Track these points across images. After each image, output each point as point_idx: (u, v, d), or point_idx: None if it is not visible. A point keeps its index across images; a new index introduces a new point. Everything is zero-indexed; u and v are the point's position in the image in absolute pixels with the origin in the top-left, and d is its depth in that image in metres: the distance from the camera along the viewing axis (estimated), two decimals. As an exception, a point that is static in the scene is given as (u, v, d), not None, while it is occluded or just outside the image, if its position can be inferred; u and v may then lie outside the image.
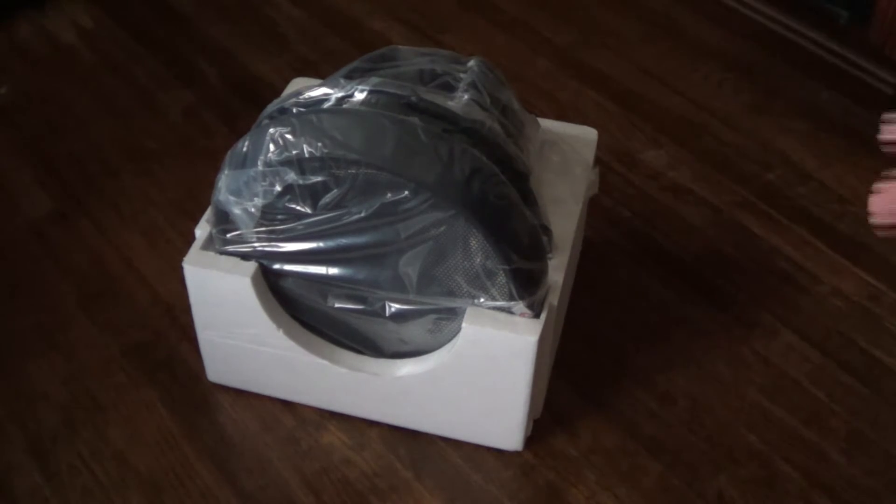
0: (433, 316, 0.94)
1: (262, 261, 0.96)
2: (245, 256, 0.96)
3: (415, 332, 0.96)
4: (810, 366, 1.12)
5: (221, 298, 0.98)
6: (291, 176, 0.87)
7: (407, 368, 0.98)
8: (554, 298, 0.92)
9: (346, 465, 1.02)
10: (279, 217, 0.91)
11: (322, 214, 0.89)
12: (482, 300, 0.90)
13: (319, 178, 0.87)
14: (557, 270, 0.94)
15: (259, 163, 0.88)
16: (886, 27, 1.40)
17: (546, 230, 0.93)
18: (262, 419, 1.06)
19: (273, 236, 0.93)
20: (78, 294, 1.20)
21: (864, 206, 1.34)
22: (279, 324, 0.98)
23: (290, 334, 0.98)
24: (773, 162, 1.37)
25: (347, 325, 0.98)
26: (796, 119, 1.44)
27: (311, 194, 0.88)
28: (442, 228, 0.87)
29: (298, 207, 0.89)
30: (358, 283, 0.93)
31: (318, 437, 1.04)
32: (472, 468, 1.02)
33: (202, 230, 0.98)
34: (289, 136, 0.87)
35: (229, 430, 1.06)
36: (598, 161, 1.09)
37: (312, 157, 0.85)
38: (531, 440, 1.03)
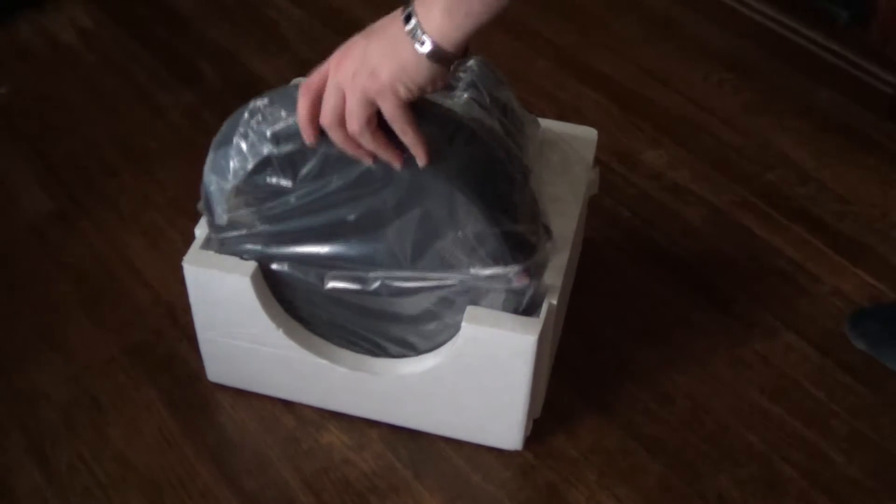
0: (432, 295, 0.92)
1: (256, 247, 0.94)
2: (238, 244, 0.95)
3: (416, 314, 0.94)
4: (810, 366, 1.12)
5: (221, 298, 0.98)
6: (268, 146, 0.86)
7: (407, 368, 0.98)
8: (554, 298, 0.92)
9: (346, 465, 1.02)
10: (263, 196, 0.90)
11: (304, 187, 0.88)
12: (478, 269, 0.88)
13: (295, 147, 0.85)
14: (557, 270, 0.94)
15: (236, 135, 0.87)
16: (886, 27, 1.40)
17: (546, 230, 0.93)
18: (262, 419, 1.06)
19: (261, 218, 0.91)
20: (78, 294, 1.20)
21: (865, 205, 1.35)
22: (279, 324, 0.98)
23: (289, 334, 0.98)
24: (773, 162, 1.37)
25: (352, 327, 0.98)
26: (796, 119, 1.44)
27: (290, 165, 0.87)
28: (426, 193, 0.85)
29: (279, 182, 0.88)
30: (353, 262, 0.92)
31: (318, 437, 1.04)
32: (472, 468, 1.02)
33: (202, 230, 0.98)
34: (265, 107, 0.86)
35: (229, 430, 1.06)
36: (598, 161, 1.09)
37: (288, 127, 0.84)
38: (531, 440, 1.03)
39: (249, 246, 0.95)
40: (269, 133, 0.85)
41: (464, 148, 0.84)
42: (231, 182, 0.89)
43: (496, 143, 0.87)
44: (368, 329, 0.98)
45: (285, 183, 0.88)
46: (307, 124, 0.80)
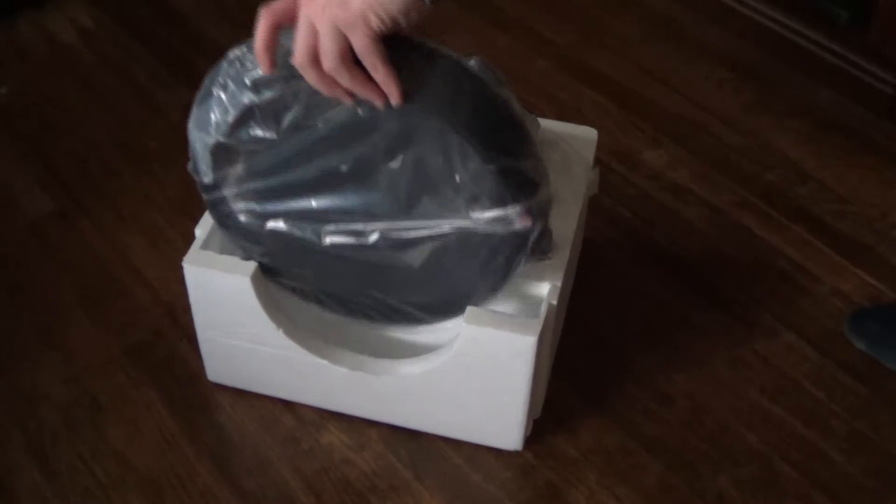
0: (434, 245, 0.88)
1: (247, 205, 0.91)
2: (228, 204, 0.92)
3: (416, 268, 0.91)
4: (810, 366, 1.12)
5: (221, 298, 0.98)
6: (248, 95, 0.83)
7: (407, 368, 0.98)
8: (554, 298, 0.92)
9: (346, 465, 1.02)
10: (248, 150, 0.87)
11: (289, 137, 0.85)
12: (477, 212, 0.84)
13: (276, 93, 0.82)
14: (557, 270, 0.94)
15: (215, 87, 0.85)
16: (886, 27, 1.40)
17: (546, 230, 0.93)
18: (262, 419, 1.06)
19: (248, 174, 0.89)
20: (78, 294, 1.20)
21: (865, 205, 1.35)
22: (279, 324, 0.98)
23: (290, 334, 0.98)
24: (773, 162, 1.37)
25: (360, 291, 0.94)
26: (796, 119, 1.44)
27: (273, 114, 0.84)
28: (416, 135, 0.82)
29: (264, 133, 0.85)
30: (350, 214, 0.89)
31: (318, 437, 1.04)
32: (472, 468, 1.02)
33: (202, 230, 0.98)
34: (243, 54, 0.83)
35: (229, 430, 1.06)
36: (598, 161, 1.09)
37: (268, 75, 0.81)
38: (531, 440, 1.03)
39: (241, 205, 0.92)
40: (248, 81, 0.82)
41: (453, 84, 0.80)
42: (214, 137, 0.86)
43: (486, 79, 0.83)
44: (377, 289, 0.95)
45: (270, 134, 0.85)
46: (264, 51, 0.78)
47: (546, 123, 1.07)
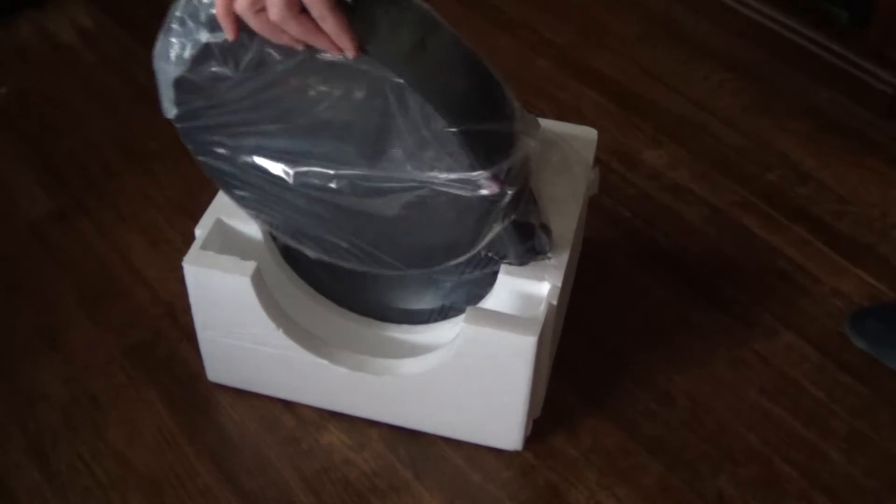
0: (404, 197, 0.85)
1: (218, 139, 0.89)
2: (199, 135, 0.90)
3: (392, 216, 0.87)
4: (810, 366, 1.12)
5: (221, 298, 0.98)
6: (204, 34, 0.80)
7: (407, 368, 0.98)
8: (554, 298, 0.92)
9: (346, 465, 1.02)
10: (208, 85, 0.84)
11: (248, 77, 0.82)
12: (442, 172, 0.80)
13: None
14: (557, 270, 0.94)
15: (174, 21, 0.82)
16: (886, 27, 1.40)
17: (546, 230, 0.93)
18: (262, 419, 1.06)
19: (211, 111, 0.86)
20: (78, 294, 1.20)
21: (864, 206, 1.35)
22: (279, 324, 0.98)
23: (289, 334, 0.98)
24: (773, 162, 1.37)
25: (338, 234, 0.92)
26: (796, 119, 1.44)
27: (231, 53, 0.80)
28: (375, 87, 0.76)
29: (222, 70, 0.82)
30: (316, 159, 0.85)
31: (318, 437, 1.04)
32: (472, 468, 1.02)
33: (202, 230, 0.98)
34: None
35: (229, 430, 1.06)
36: (598, 161, 1.09)
37: None
38: (531, 440, 1.03)
39: (215, 138, 0.89)
40: (204, 17, 0.79)
41: (420, 36, 0.75)
42: (174, 71, 0.84)
43: (457, 35, 0.78)
44: (354, 235, 0.91)
45: (228, 72, 0.82)
46: (226, 15, 0.74)
47: (546, 123, 1.07)
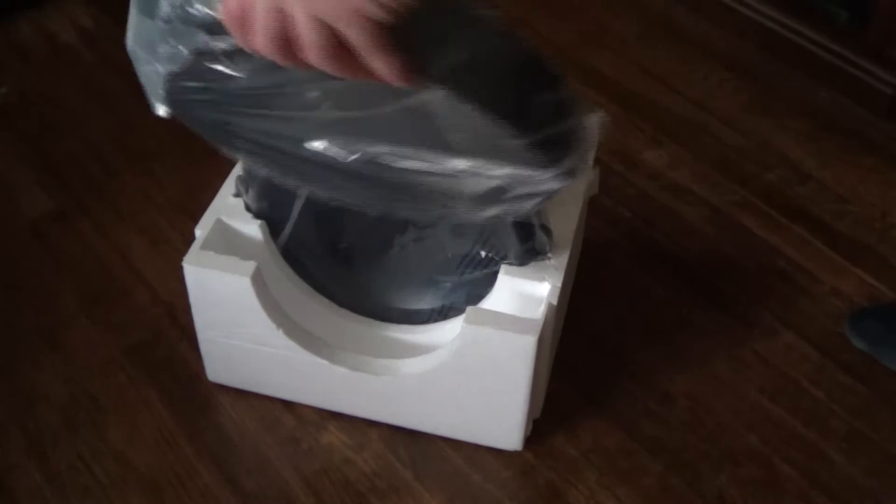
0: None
1: (218, 116, 0.79)
2: (198, 108, 0.79)
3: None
4: (810, 366, 1.12)
5: (221, 298, 0.98)
6: (202, 38, 0.70)
7: (407, 368, 0.98)
8: (554, 298, 0.92)
9: (346, 465, 1.02)
10: (209, 78, 0.74)
11: (257, 79, 0.72)
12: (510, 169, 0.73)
13: (233, 44, 0.67)
14: (557, 270, 0.94)
15: (158, 19, 0.71)
16: (886, 27, 1.40)
17: (546, 230, 0.93)
18: (262, 419, 1.06)
19: (212, 101, 0.77)
20: (78, 294, 1.20)
21: (864, 206, 1.35)
22: (279, 324, 0.98)
23: (289, 334, 0.98)
24: (773, 162, 1.37)
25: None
26: (796, 119, 1.44)
27: (240, 55, 0.70)
28: (423, 95, 0.68)
29: (226, 70, 0.73)
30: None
31: (318, 437, 1.04)
32: (472, 468, 1.02)
33: (202, 230, 0.98)
34: None
35: (229, 430, 1.06)
36: (598, 161, 1.09)
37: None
38: (531, 440, 1.03)
39: (217, 115, 0.80)
40: (198, 20, 0.69)
41: (477, 47, 0.66)
42: (166, 67, 0.75)
43: (519, 38, 0.69)
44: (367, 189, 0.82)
45: (233, 72, 0.73)
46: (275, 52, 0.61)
47: (546, 123, 1.07)
